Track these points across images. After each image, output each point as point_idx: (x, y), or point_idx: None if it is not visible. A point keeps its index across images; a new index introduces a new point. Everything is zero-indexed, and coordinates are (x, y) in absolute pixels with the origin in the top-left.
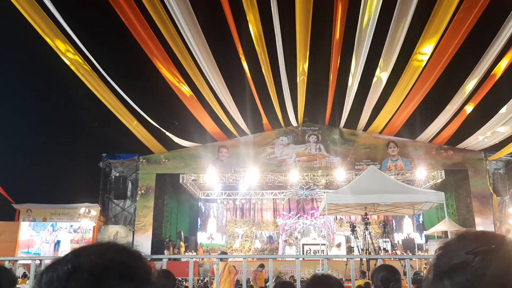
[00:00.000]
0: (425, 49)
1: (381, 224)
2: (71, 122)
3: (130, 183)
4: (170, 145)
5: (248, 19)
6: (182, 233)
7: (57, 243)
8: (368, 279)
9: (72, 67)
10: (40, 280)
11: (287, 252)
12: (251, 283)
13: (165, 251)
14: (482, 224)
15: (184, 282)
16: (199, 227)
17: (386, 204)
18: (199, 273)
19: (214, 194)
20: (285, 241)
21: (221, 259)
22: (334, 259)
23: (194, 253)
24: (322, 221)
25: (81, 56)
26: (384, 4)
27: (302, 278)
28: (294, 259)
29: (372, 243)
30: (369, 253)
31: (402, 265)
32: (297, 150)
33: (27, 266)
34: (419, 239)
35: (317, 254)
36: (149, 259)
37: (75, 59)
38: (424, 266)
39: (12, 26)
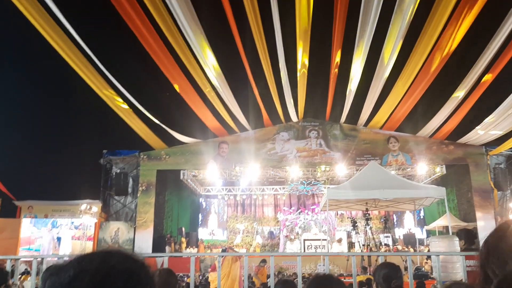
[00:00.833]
0: (425, 43)
1: (382, 219)
2: (72, 119)
3: (131, 180)
4: (170, 141)
5: (247, 12)
6: (183, 229)
7: (58, 239)
8: (370, 274)
9: (73, 66)
10: (44, 285)
11: (288, 248)
12: (254, 278)
13: (167, 247)
14: (483, 218)
15: (185, 278)
16: (200, 223)
17: (387, 200)
18: (200, 269)
19: (215, 190)
20: (286, 236)
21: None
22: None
23: (196, 249)
24: (323, 217)
25: (79, 50)
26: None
27: (303, 274)
28: (296, 255)
29: (373, 238)
30: (370, 249)
31: (403, 260)
32: (298, 146)
33: (29, 263)
34: (420, 234)
35: (318, 250)
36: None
37: (74, 54)
38: (425, 261)
39: (11, 25)
